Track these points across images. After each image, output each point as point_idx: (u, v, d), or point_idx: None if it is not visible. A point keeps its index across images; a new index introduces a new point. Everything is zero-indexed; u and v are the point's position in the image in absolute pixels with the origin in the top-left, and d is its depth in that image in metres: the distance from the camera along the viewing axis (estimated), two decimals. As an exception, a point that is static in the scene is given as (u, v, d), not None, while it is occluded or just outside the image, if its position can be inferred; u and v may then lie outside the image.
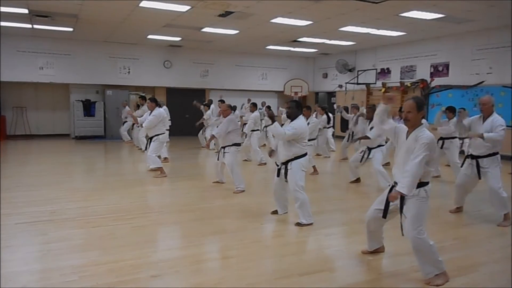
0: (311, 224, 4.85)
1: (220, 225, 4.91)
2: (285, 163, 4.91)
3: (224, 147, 6.73)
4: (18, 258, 3.69)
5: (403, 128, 3.49)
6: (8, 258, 3.66)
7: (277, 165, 5.09)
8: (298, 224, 4.86)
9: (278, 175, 5.05)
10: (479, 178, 5.18)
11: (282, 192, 5.22)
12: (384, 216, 3.51)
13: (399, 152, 3.46)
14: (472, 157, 5.19)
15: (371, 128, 7.04)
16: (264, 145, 12.74)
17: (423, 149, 3.19)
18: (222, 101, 11.71)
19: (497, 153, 5.08)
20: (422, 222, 3.29)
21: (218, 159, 6.92)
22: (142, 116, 8.55)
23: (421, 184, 3.28)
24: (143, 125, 7.85)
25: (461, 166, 5.50)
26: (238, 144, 6.80)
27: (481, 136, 4.93)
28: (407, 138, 3.39)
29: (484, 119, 5.07)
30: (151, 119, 7.66)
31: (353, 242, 4.39)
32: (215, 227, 4.84)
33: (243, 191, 6.60)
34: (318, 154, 11.01)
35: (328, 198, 6.56)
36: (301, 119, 4.92)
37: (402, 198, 3.33)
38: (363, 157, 7.20)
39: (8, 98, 14.17)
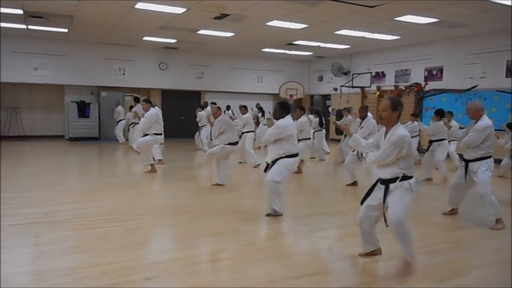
0: (281, 215, 5.07)
1: (215, 227, 4.90)
2: (274, 162, 5.08)
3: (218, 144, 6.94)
4: (11, 260, 3.66)
5: (382, 131, 3.65)
6: (1, 260, 3.63)
7: (267, 163, 5.23)
8: (269, 214, 5.11)
9: (265, 171, 5.23)
10: (464, 180, 5.16)
11: None
12: (361, 203, 3.70)
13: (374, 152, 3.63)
14: (464, 160, 5.22)
15: (362, 127, 7.11)
16: (259, 147, 12.74)
17: (390, 144, 3.40)
18: (214, 103, 11.72)
19: (488, 157, 5.02)
20: (405, 209, 3.42)
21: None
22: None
23: (404, 178, 3.43)
24: (139, 127, 8.02)
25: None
26: (233, 143, 6.89)
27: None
28: (385, 138, 3.52)
29: (476, 123, 5.07)
30: (144, 121, 7.92)
31: (347, 244, 4.40)
32: (210, 229, 4.84)
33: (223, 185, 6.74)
34: (312, 157, 11.03)
35: (322, 201, 6.58)
36: (286, 119, 5.08)
37: (387, 189, 3.50)
38: (358, 156, 7.22)
39: (2, 99, 14.08)
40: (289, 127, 5.01)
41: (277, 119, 5.14)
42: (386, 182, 3.53)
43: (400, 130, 3.43)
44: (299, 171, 8.46)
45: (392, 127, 3.48)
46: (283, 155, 4.98)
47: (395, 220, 3.37)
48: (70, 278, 3.32)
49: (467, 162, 5.14)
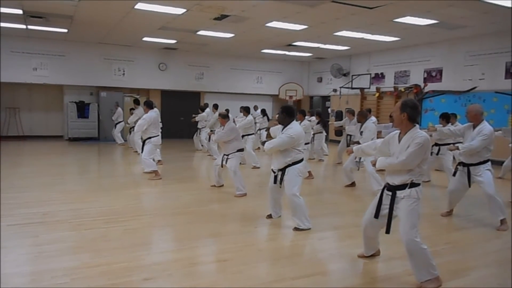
0: (309, 228, 4.81)
1: (214, 228, 4.90)
2: (282, 170, 4.83)
3: (227, 154, 6.72)
4: (9, 260, 3.65)
5: (392, 133, 3.53)
6: (0, 260, 3.62)
7: (274, 172, 4.97)
8: (296, 229, 4.81)
9: (274, 182, 4.94)
10: (469, 186, 5.21)
11: (277, 196, 5.18)
12: (376, 216, 3.51)
13: (393, 157, 3.43)
14: (464, 165, 5.19)
15: (361, 132, 7.09)
16: (258, 148, 12.74)
17: (417, 147, 3.20)
18: (215, 106, 11.72)
19: (487, 161, 5.08)
20: (416, 223, 3.30)
21: (221, 166, 6.83)
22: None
23: (412, 185, 3.31)
24: (134, 129, 7.93)
25: (454, 175, 5.43)
26: (241, 150, 6.86)
27: (457, 149, 5.16)
28: (399, 141, 3.39)
29: (474, 127, 5.07)
30: (140, 123, 7.87)
31: (346, 245, 4.40)
32: (209, 230, 4.83)
33: (245, 194, 6.58)
34: (311, 158, 11.04)
35: (321, 202, 6.57)
36: (295, 125, 4.85)
37: (394, 197, 3.38)
38: (357, 164, 7.22)
39: (1, 99, 14.06)
40: (301, 135, 4.80)
41: (283, 124, 4.88)
42: (393, 189, 3.39)
43: (423, 133, 3.29)
44: (310, 176, 8.46)
45: (407, 130, 3.33)
46: (290, 163, 4.76)
47: (409, 237, 3.25)
48: (69, 279, 3.32)
49: (468, 166, 5.13)
